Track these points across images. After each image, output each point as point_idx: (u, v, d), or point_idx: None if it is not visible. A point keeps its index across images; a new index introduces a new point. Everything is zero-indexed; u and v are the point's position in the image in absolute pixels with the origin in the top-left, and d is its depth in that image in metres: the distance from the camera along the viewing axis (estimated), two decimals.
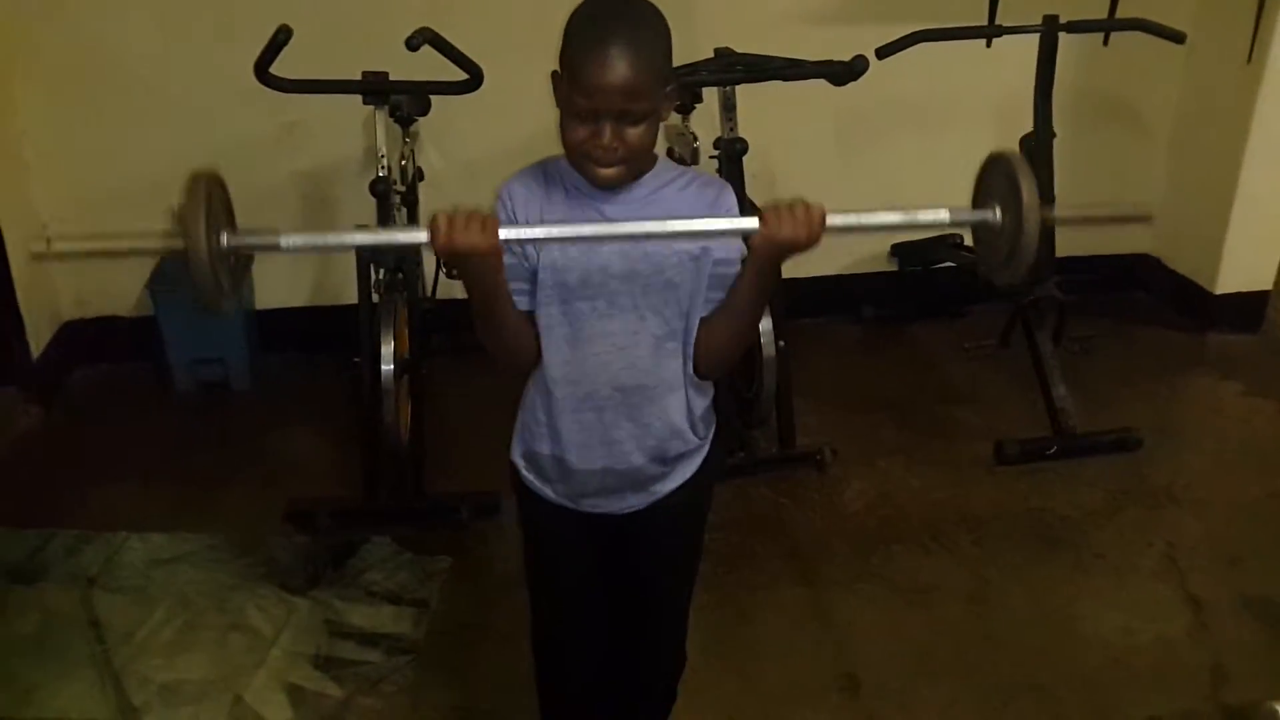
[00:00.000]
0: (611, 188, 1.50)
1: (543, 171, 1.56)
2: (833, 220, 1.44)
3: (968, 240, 3.78)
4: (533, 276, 1.53)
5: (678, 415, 1.63)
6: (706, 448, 1.72)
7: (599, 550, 1.75)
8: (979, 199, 1.52)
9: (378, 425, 2.75)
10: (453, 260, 1.44)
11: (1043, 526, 2.87)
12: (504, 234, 1.39)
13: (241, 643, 2.45)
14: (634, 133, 1.43)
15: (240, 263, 1.51)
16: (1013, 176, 1.45)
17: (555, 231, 1.46)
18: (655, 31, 1.44)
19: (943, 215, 1.50)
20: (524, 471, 1.72)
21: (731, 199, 1.59)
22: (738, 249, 1.58)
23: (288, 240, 1.49)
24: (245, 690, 2.32)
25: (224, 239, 1.43)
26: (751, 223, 1.43)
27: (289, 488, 2.96)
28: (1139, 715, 2.29)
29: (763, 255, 1.47)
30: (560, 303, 1.54)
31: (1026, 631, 2.52)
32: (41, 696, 2.30)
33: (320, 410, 3.35)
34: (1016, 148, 3.26)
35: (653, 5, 1.46)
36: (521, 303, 1.55)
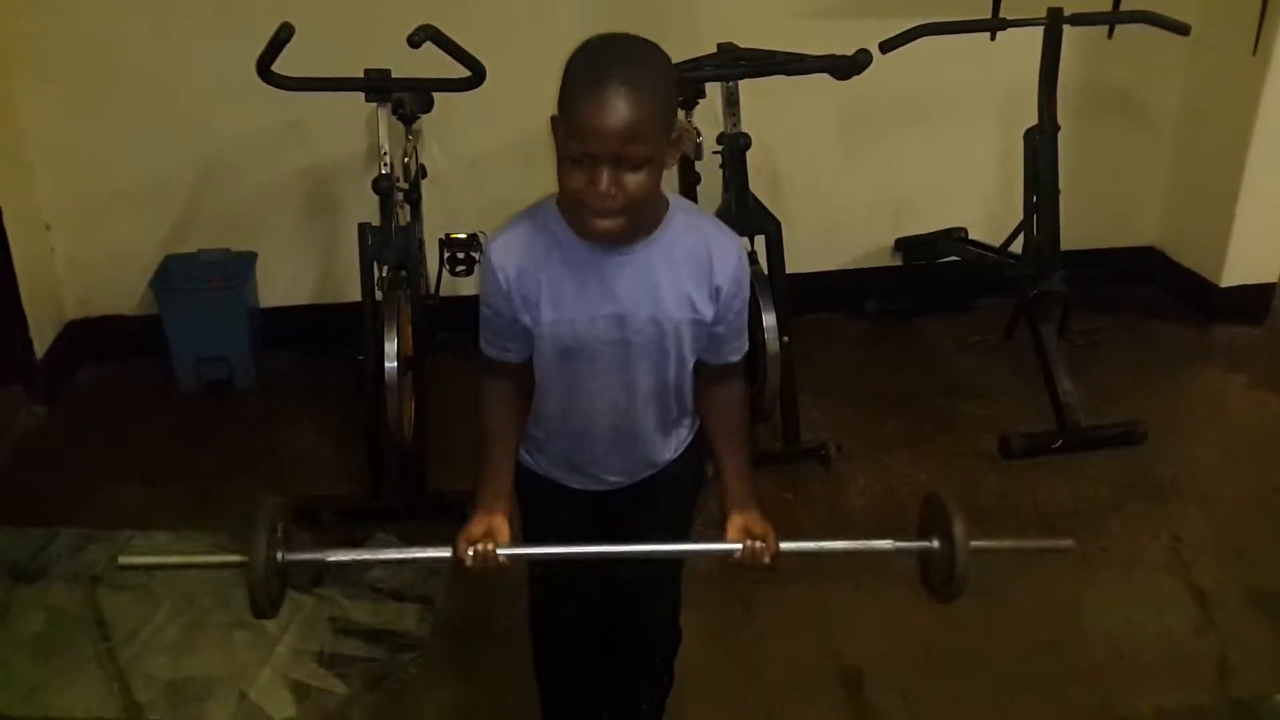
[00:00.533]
0: (610, 242, 1.45)
1: (531, 225, 1.51)
2: (785, 546, 1.63)
3: (973, 234, 3.79)
4: (523, 334, 1.55)
5: (660, 445, 1.69)
6: (697, 425, 1.75)
7: (591, 518, 1.77)
8: (922, 530, 1.68)
9: (381, 422, 2.75)
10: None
11: (1047, 520, 2.86)
12: (504, 553, 1.59)
13: (246, 640, 2.45)
14: (633, 180, 1.36)
15: (289, 572, 1.65)
16: (947, 514, 1.60)
17: (550, 552, 1.68)
18: (657, 73, 1.39)
19: (886, 544, 1.67)
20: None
21: (745, 265, 1.56)
22: (741, 299, 1.59)
23: (333, 556, 1.74)
24: (250, 687, 2.32)
25: (279, 556, 1.60)
26: (734, 548, 1.61)
27: (293, 485, 2.96)
28: (1145, 709, 2.29)
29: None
30: (558, 361, 1.56)
31: (1031, 625, 2.51)
32: (46, 695, 2.30)
33: (324, 408, 3.35)
34: (1021, 141, 3.26)
35: (656, 47, 1.42)
36: (509, 356, 1.59)
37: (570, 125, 1.36)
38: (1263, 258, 3.83)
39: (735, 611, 2.55)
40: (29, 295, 3.30)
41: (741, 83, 2.98)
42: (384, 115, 2.84)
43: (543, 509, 1.79)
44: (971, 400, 3.41)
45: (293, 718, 2.26)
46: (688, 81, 2.93)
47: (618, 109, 1.32)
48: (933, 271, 3.93)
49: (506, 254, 1.50)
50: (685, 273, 1.51)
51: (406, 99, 2.91)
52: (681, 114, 3.17)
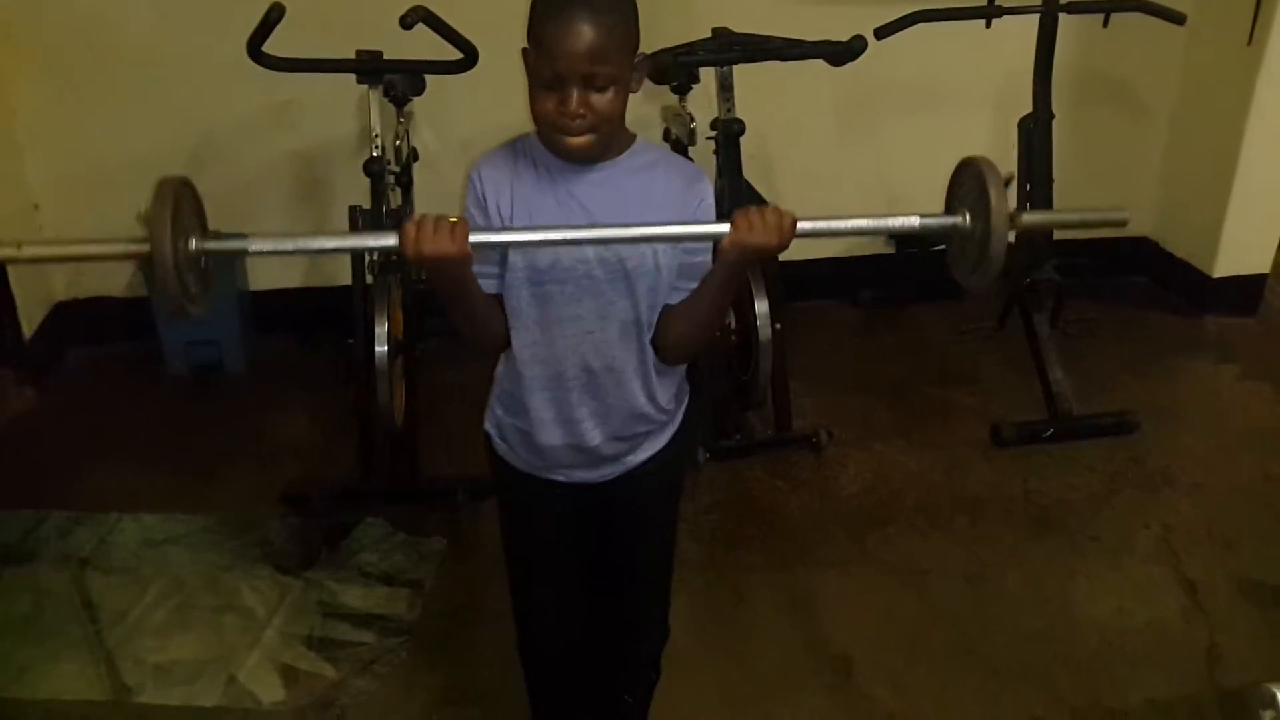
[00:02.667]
0: (581, 160, 1.50)
1: (512, 150, 1.56)
2: (803, 226, 1.46)
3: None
4: (501, 260, 1.54)
5: (642, 397, 1.65)
6: (678, 420, 1.74)
7: (574, 518, 1.76)
8: (950, 205, 1.53)
9: (372, 406, 2.74)
10: (421, 264, 1.44)
11: (1038, 509, 2.87)
12: (474, 238, 1.42)
13: (235, 623, 2.45)
14: (601, 99, 1.43)
15: (211, 267, 1.52)
16: (982, 183, 1.46)
17: (526, 236, 1.48)
18: None
19: (913, 221, 1.50)
20: (495, 440, 1.74)
21: (707, 188, 1.58)
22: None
23: (255, 244, 1.50)
24: (239, 671, 2.32)
25: (192, 244, 1.44)
26: (722, 228, 1.46)
27: (283, 469, 2.96)
28: (1134, 698, 2.29)
29: (730, 258, 1.49)
30: (530, 285, 1.54)
31: (1022, 614, 2.52)
32: (34, 677, 2.30)
33: (314, 392, 3.34)
34: (1015, 129, 3.25)
35: None
36: (489, 286, 1.56)
37: (540, 49, 1.41)
38: (1255, 248, 3.83)
39: (726, 598, 2.55)
40: (16, 276, 3.28)
41: (736, 68, 2.97)
42: (375, 97, 2.83)
43: (517, 502, 1.79)
44: (964, 388, 3.41)
45: (281, 701, 2.26)
46: (681, 66, 2.92)
47: (584, 31, 1.38)
48: (926, 259, 3.92)
49: (485, 166, 1.56)
50: (653, 190, 1.54)
51: (398, 81, 2.89)
52: (675, 99, 3.16)
